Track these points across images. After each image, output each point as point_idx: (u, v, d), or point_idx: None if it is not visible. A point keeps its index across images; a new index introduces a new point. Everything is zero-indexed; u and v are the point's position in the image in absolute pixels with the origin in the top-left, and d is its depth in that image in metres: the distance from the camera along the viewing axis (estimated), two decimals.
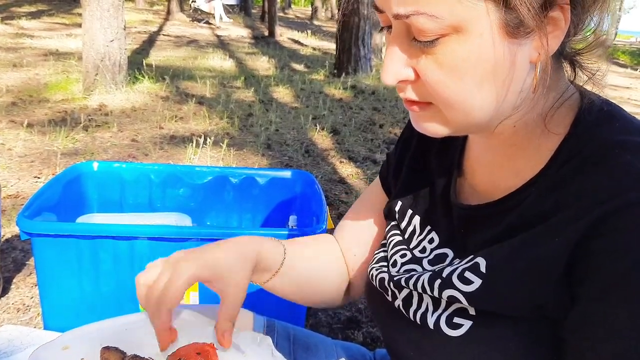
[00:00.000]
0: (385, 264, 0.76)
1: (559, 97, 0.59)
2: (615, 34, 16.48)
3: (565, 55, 0.58)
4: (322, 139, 3.88)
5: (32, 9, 11.32)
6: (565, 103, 0.59)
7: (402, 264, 0.72)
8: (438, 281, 0.62)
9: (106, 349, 0.62)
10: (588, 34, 0.57)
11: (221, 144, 3.37)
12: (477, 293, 0.57)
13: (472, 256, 0.60)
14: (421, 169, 0.77)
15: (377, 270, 0.76)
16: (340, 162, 3.42)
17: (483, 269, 0.58)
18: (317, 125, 4.16)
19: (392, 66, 0.54)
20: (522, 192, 0.59)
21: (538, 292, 0.53)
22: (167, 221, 1.72)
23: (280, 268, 0.80)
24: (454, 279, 0.60)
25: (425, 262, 0.70)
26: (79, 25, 4.63)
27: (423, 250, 0.72)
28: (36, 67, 5.43)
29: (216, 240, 1.45)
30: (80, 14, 4.49)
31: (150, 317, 0.66)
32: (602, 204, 0.49)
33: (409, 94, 0.56)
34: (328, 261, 0.91)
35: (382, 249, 0.80)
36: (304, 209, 1.80)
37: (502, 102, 0.54)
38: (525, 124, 0.59)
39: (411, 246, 0.74)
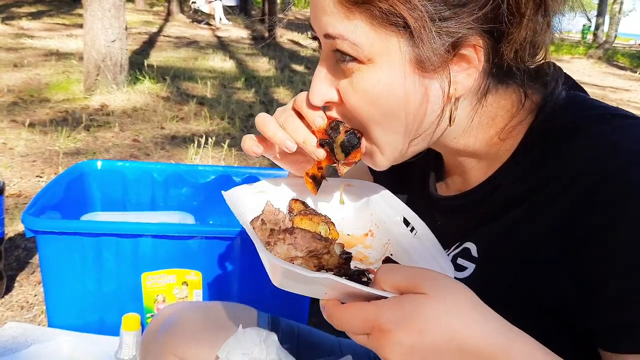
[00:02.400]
0: None
1: (510, 116, 0.60)
2: (615, 37, 16.50)
3: (510, 77, 0.59)
4: None
5: (32, 9, 11.32)
6: (523, 110, 0.60)
7: None
8: None
9: (294, 200, 0.68)
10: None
11: (222, 144, 3.38)
12: (472, 278, 0.59)
13: (458, 243, 0.62)
14: (407, 164, 0.79)
15: None
16: None
17: (475, 253, 0.60)
18: None
19: (319, 87, 0.59)
20: (493, 180, 0.61)
21: (532, 271, 0.54)
22: (170, 220, 1.73)
23: None
24: None
25: None
26: (79, 26, 4.64)
27: None
28: (37, 67, 5.43)
29: (221, 238, 1.46)
30: (80, 15, 4.50)
31: (306, 131, 0.63)
32: (582, 176, 0.51)
33: (333, 114, 0.61)
34: None
35: None
36: None
37: (416, 128, 0.57)
38: (470, 138, 0.62)
39: None
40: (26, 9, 11.15)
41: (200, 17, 13.36)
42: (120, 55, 4.47)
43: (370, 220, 0.69)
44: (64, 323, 1.45)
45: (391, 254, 0.63)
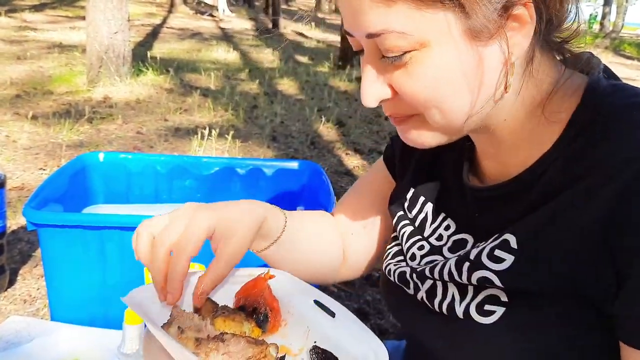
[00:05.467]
0: (402, 257, 0.75)
1: (554, 86, 0.59)
2: (622, 26, 16.34)
3: (553, 46, 0.59)
4: (327, 131, 3.86)
5: (35, 2, 11.29)
6: (564, 88, 0.59)
7: (422, 256, 0.71)
8: (466, 264, 0.60)
9: None
10: (571, 24, 0.59)
11: (226, 135, 3.35)
12: (510, 270, 0.56)
13: (497, 234, 0.59)
14: (432, 157, 0.76)
15: (395, 265, 0.74)
16: (346, 154, 3.40)
17: (514, 244, 0.57)
18: (323, 117, 4.14)
19: (371, 88, 0.57)
20: (537, 167, 0.59)
21: (573, 261, 0.52)
22: None
23: (280, 237, 0.79)
24: (484, 259, 0.59)
25: (445, 250, 0.68)
26: (82, 18, 4.62)
27: (439, 237, 0.71)
28: (40, 59, 5.42)
29: None
30: (83, 7, 4.48)
31: (159, 269, 0.63)
32: (629, 164, 0.49)
33: (391, 110, 0.59)
34: (327, 239, 0.90)
35: (394, 243, 0.78)
36: (311, 200, 1.78)
37: (477, 102, 0.55)
38: (517, 116, 0.59)
39: (425, 235, 0.73)
40: (29, 2, 11.12)
41: (203, 9, 13.30)
42: (123, 47, 4.45)
43: (280, 308, 0.66)
44: (66, 317, 1.43)
45: (315, 341, 0.61)
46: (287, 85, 5.45)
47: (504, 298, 0.58)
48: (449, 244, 0.68)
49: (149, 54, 5.89)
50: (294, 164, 1.88)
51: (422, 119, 0.57)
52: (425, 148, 0.61)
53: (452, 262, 0.63)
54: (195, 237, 0.63)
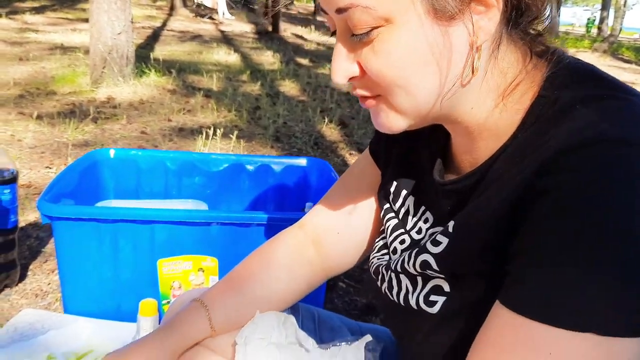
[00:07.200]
0: (386, 251, 0.76)
1: (517, 75, 0.59)
2: (620, 30, 16.40)
3: (523, 36, 0.59)
4: (330, 132, 3.88)
5: (36, 4, 11.29)
6: (528, 78, 0.59)
7: (402, 251, 0.72)
8: (416, 249, 0.64)
9: None
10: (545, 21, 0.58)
11: (230, 135, 3.37)
12: (444, 252, 0.59)
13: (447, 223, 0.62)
14: (414, 150, 0.77)
15: (378, 259, 0.76)
16: (350, 154, 3.42)
17: (451, 229, 0.60)
18: (325, 117, 4.16)
19: (340, 64, 0.58)
20: (491, 159, 0.59)
21: (495, 241, 0.53)
22: (184, 207, 1.72)
23: (214, 329, 0.85)
24: (428, 244, 0.62)
25: (422, 244, 0.69)
26: (83, 20, 4.64)
27: (419, 231, 0.72)
28: (42, 60, 5.43)
29: (238, 224, 1.45)
30: (84, 9, 4.50)
31: None
32: (550, 147, 0.49)
33: (359, 90, 0.59)
34: (291, 269, 0.91)
35: (381, 237, 0.80)
36: (320, 196, 1.80)
37: (445, 83, 0.55)
38: (483, 105, 0.59)
39: (407, 227, 0.74)
40: (29, 4, 11.13)
41: (203, 12, 13.33)
42: (127, 47, 4.46)
43: None
44: (80, 310, 1.44)
45: None
46: (288, 87, 5.47)
47: (446, 288, 0.60)
48: (426, 237, 0.69)
49: (151, 56, 5.90)
50: (302, 161, 1.90)
51: (388, 101, 0.57)
52: (394, 133, 0.61)
53: (406, 253, 0.66)
54: None
